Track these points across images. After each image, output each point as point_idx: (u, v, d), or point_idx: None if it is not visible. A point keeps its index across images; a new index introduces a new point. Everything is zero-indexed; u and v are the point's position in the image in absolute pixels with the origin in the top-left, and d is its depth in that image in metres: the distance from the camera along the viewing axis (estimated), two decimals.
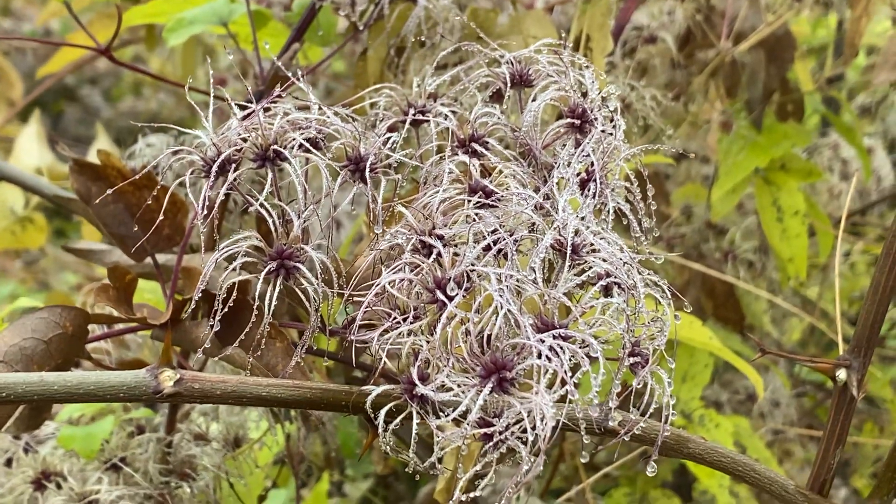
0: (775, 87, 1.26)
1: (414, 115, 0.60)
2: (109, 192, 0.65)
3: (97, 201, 0.70)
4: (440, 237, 0.51)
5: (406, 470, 0.52)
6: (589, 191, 0.56)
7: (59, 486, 0.79)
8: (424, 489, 1.46)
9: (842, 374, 0.66)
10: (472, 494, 0.48)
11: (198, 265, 0.72)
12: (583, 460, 0.57)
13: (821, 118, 1.59)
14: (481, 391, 0.46)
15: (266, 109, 0.55)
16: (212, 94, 0.56)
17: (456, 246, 0.52)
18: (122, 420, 0.84)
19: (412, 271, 0.51)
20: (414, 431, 0.49)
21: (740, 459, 0.62)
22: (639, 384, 0.52)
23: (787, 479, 0.64)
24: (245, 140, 0.54)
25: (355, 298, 0.53)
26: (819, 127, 1.63)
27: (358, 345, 0.52)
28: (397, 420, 0.50)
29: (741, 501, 1.30)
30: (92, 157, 1.54)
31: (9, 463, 0.85)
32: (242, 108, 0.56)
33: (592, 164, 0.56)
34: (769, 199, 1.26)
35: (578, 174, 0.56)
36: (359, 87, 0.80)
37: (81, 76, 3.12)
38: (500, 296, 0.47)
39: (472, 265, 0.49)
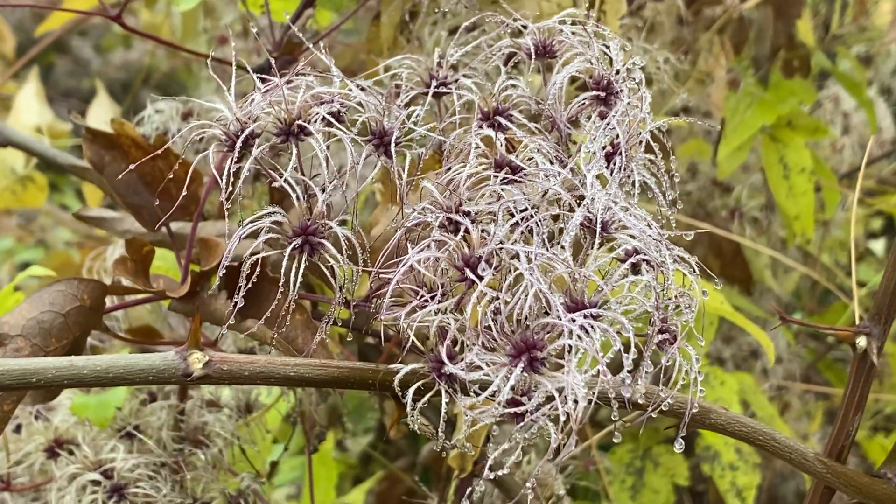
0: (782, 44, 1.25)
1: (436, 87, 0.59)
2: (132, 166, 0.64)
3: (110, 170, 0.69)
4: (467, 214, 0.51)
5: (434, 450, 0.52)
6: (615, 164, 0.55)
7: (70, 453, 0.79)
8: (427, 446, 1.46)
9: (861, 341, 0.66)
10: (499, 472, 0.48)
11: (212, 235, 0.72)
12: (615, 440, 0.56)
13: (818, 71, 1.58)
14: (513, 371, 0.46)
15: (288, 81, 0.54)
16: (234, 65, 0.55)
17: (482, 223, 0.51)
18: (133, 388, 0.83)
19: (439, 249, 0.50)
20: (443, 410, 0.49)
21: (760, 428, 0.62)
22: (668, 362, 0.52)
23: (806, 447, 0.64)
24: (267, 114, 0.53)
25: (381, 275, 0.53)
26: (817, 79, 1.62)
27: (385, 323, 0.51)
28: (425, 398, 0.50)
29: (744, 456, 1.30)
30: (91, 115, 1.53)
31: (18, 429, 0.84)
32: (263, 80, 0.55)
33: (618, 136, 0.56)
34: (775, 157, 1.25)
35: (604, 147, 0.56)
36: (371, 53, 0.79)
37: (71, 28, 3.08)
38: (531, 275, 0.47)
39: (502, 243, 0.49)
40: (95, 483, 0.75)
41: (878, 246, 1.91)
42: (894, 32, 1.21)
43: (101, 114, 1.54)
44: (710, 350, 1.37)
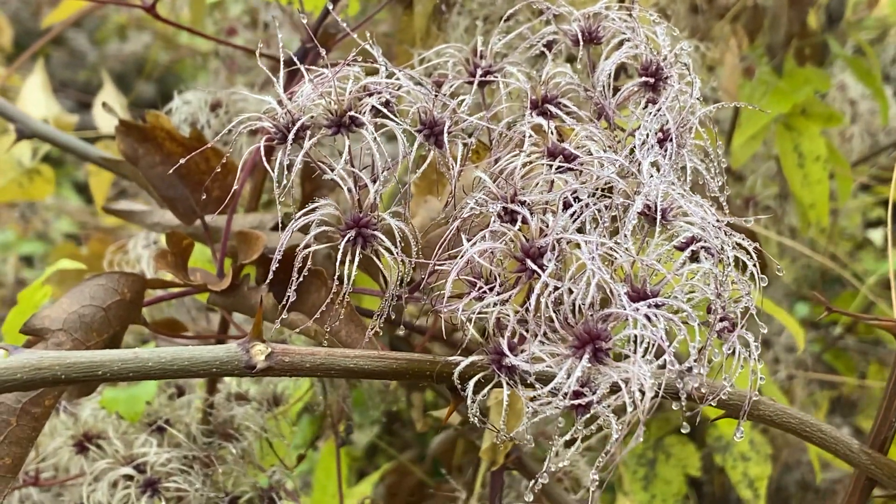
0: (796, 32, 1.24)
1: (482, 76, 0.59)
2: (182, 161, 0.63)
3: (144, 163, 0.68)
4: (523, 203, 0.50)
5: (495, 441, 0.52)
6: (666, 151, 0.55)
7: (99, 448, 0.78)
8: (438, 438, 1.45)
9: None
10: (564, 463, 0.47)
11: (245, 227, 0.71)
12: (683, 431, 0.56)
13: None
14: (578, 362, 0.45)
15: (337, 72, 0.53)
16: (282, 58, 0.54)
17: (537, 213, 0.51)
18: (162, 382, 0.83)
19: (496, 240, 0.49)
20: (505, 403, 0.48)
21: (808, 420, 0.62)
22: (729, 350, 0.51)
23: (851, 439, 0.64)
24: (317, 105, 0.52)
25: (437, 267, 0.52)
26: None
27: (443, 314, 0.51)
28: (485, 390, 0.49)
29: (756, 447, 1.31)
30: (97, 106, 1.52)
31: None
32: (310, 70, 0.54)
33: (668, 122, 0.55)
34: (790, 145, 1.25)
35: (655, 133, 0.55)
36: (403, 43, 0.78)
37: (67, 19, 3.06)
38: (593, 264, 0.46)
39: (562, 232, 0.48)
40: (128, 478, 0.74)
41: (876, 235, 1.91)
42: None
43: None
44: None
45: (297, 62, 0.55)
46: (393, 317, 0.59)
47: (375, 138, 0.51)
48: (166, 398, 0.82)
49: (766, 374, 1.29)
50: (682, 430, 0.57)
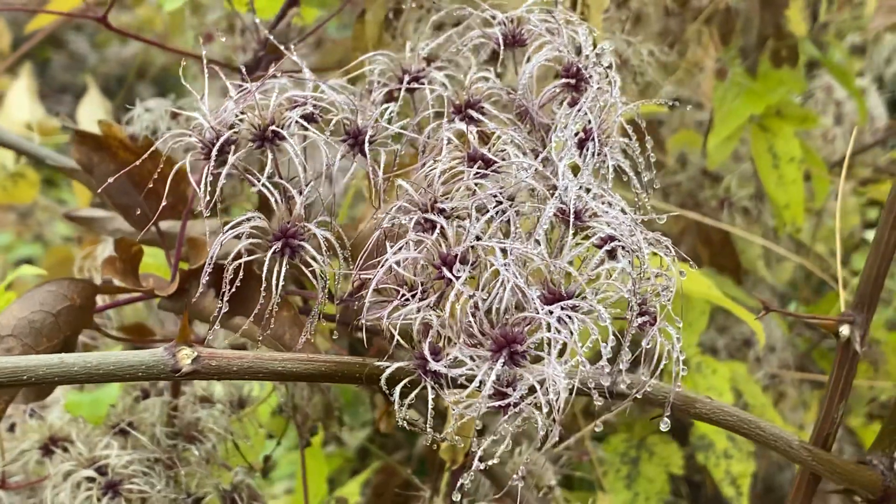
0: (770, 34, 1.25)
1: (409, 82, 0.60)
2: (122, 171, 0.65)
3: (99, 171, 0.70)
4: (442, 211, 0.51)
5: (426, 444, 0.53)
6: (587, 150, 0.56)
7: (65, 450, 0.79)
8: (422, 438, 1.46)
9: (845, 329, 0.67)
10: (489, 462, 0.49)
11: (200, 234, 0.72)
12: (597, 429, 0.57)
13: (808, 60, 1.59)
14: (493, 366, 0.47)
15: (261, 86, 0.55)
16: (205, 68, 0.56)
17: (459, 218, 0.52)
18: (127, 385, 0.84)
19: (416, 249, 0.51)
20: (430, 406, 0.49)
21: (745, 417, 0.63)
22: (648, 344, 0.52)
23: (791, 435, 0.65)
24: (242, 120, 0.54)
25: (362, 275, 0.53)
26: (808, 69, 1.62)
27: (367, 323, 0.52)
28: (412, 395, 0.51)
29: (738, 444, 1.31)
30: (81, 111, 1.53)
31: (12, 428, 0.85)
32: (237, 86, 0.55)
33: (590, 122, 0.56)
34: (765, 146, 1.26)
35: (576, 134, 0.56)
36: (357, 51, 0.80)
37: (66, 23, 3.08)
38: (507, 270, 0.48)
39: (478, 238, 0.49)
40: (90, 480, 0.75)
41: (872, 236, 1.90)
42: (879, 20, 1.22)
43: (92, 110, 1.55)
44: (703, 339, 1.38)
45: (226, 80, 0.56)
46: (351, 322, 0.60)
47: (296, 151, 0.52)
48: (131, 401, 0.84)
49: (746, 374, 1.30)
50: (662, 428, 0.58)
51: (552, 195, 0.51)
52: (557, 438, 0.47)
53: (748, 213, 1.36)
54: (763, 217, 1.38)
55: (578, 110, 0.55)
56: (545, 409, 0.46)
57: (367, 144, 0.54)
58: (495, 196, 0.51)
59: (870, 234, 1.88)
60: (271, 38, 0.68)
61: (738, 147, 1.36)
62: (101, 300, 0.72)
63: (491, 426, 0.50)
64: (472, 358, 0.48)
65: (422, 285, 0.51)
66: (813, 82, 1.55)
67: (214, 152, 0.52)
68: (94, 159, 0.71)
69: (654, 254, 0.54)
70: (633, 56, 1.00)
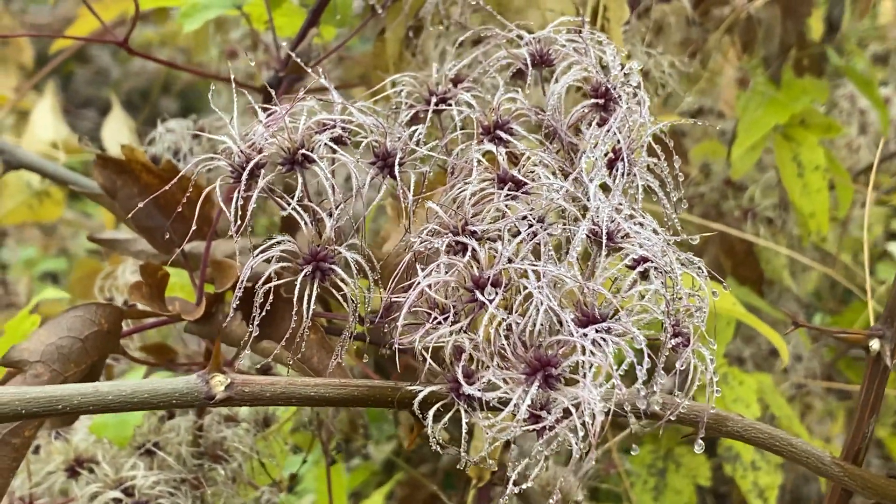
0: (792, 43, 1.24)
1: (436, 103, 0.60)
2: (148, 198, 0.65)
3: (122, 194, 0.70)
4: (473, 233, 0.51)
5: (459, 467, 0.52)
6: (617, 171, 0.55)
7: (90, 472, 0.79)
8: (448, 451, 1.46)
9: (875, 344, 0.66)
10: (523, 486, 0.48)
11: (225, 254, 0.72)
12: (633, 453, 0.57)
13: (833, 69, 1.57)
14: (528, 389, 0.46)
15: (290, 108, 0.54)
16: (235, 90, 0.55)
17: (490, 241, 0.51)
18: None
19: (448, 272, 0.50)
20: (464, 430, 0.49)
21: (777, 434, 0.62)
22: (682, 365, 0.52)
23: (822, 451, 0.64)
24: (271, 144, 0.53)
25: (393, 299, 0.53)
26: (832, 78, 1.61)
27: (400, 346, 0.51)
28: (445, 419, 0.50)
29: (766, 456, 1.30)
30: (106, 129, 1.53)
31: (37, 450, 0.85)
32: (265, 108, 0.55)
33: (619, 142, 0.56)
34: (789, 155, 1.25)
35: (606, 154, 0.56)
36: (377, 69, 0.79)
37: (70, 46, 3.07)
38: (540, 292, 0.47)
39: (510, 261, 0.49)
40: (117, 501, 0.75)
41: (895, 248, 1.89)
42: None
43: (117, 128, 1.55)
44: (729, 350, 1.37)
45: (252, 102, 0.56)
46: (381, 342, 0.60)
47: (327, 174, 0.52)
48: (157, 421, 0.83)
49: (772, 385, 1.29)
50: (696, 450, 0.57)
51: (584, 216, 0.51)
52: (593, 461, 0.47)
53: (772, 223, 1.35)
54: (787, 227, 1.36)
55: (608, 130, 0.55)
56: (580, 433, 0.46)
57: (396, 167, 0.54)
58: (525, 217, 0.51)
59: (892, 246, 1.87)
60: (294, 56, 0.67)
61: (762, 156, 1.36)
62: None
63: (518, 441, 0.50)
64: (505, 381, 0.47)
65: (453, 308, 0.50)
66: (836, 91, 1.54)
67: (245, 176, 0.52)
68: (118, 183, 0.70)
69: (686, 274, 0.53)
70: (653, 68, 0.99)
